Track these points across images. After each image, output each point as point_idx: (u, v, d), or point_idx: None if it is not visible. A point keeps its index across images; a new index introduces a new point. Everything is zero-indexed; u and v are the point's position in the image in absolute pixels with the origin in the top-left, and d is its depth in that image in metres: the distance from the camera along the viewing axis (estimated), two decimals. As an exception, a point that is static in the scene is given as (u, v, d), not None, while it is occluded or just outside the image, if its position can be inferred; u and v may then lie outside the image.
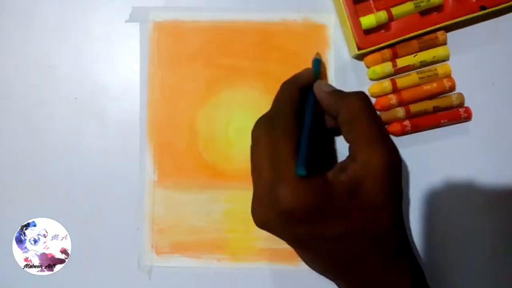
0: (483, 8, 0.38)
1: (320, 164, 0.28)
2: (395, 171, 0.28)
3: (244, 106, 0.40)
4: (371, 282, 0.28)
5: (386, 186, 0.27)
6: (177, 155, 0.39)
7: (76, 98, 0.40)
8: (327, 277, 0.30)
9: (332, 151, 0.37)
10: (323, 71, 0.39)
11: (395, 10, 0.38)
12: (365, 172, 0.27)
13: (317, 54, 0.39)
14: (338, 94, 0.31)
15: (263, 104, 0.39)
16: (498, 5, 0.38)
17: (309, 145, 0.28)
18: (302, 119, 0.31)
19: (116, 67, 0.40)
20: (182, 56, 0.40)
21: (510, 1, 0.38)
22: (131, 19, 0.40)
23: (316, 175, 0.27)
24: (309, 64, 0.38)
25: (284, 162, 0.27)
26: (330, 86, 0.33)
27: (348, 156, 0.29)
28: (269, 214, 0.27)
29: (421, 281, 0.30)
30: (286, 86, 0.33)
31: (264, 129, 0.30)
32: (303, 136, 0.28)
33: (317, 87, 0.33)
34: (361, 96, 0.30)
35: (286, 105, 0.31)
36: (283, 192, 0.26)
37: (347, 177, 0.27)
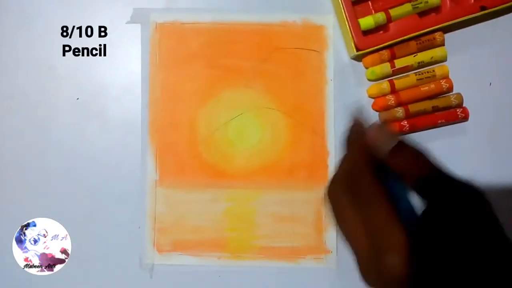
0: (483, 8, 0.38)
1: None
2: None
3: (244, 106, 0.40)
4: None
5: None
6: (178, 155, 0.39)
7: (77, 99, 0.40)
8: None
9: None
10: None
11: (394, 12, 0.38)
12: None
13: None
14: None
15: (263, 104, 0.40)
16: (498, 6, 0.38)
17: (408, 206, 0.27)
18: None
19: (118, 68, 0.40)
20: (183, 57, 0.40)
21: (510, 2, 0.39)
22: (132, 21, 0.41)
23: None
24: (308, 63, 0.38)
25: (384, 228, 0.26)
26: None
27: None
28: (379, 283, 0.26)
29: None
30: (355, 146, 0.29)
31: (344, 193, 0.27)
32: (400, 198, 0.27)
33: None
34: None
35: (363, 165, 0.28)
36: (391, 262, 0.25)
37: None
